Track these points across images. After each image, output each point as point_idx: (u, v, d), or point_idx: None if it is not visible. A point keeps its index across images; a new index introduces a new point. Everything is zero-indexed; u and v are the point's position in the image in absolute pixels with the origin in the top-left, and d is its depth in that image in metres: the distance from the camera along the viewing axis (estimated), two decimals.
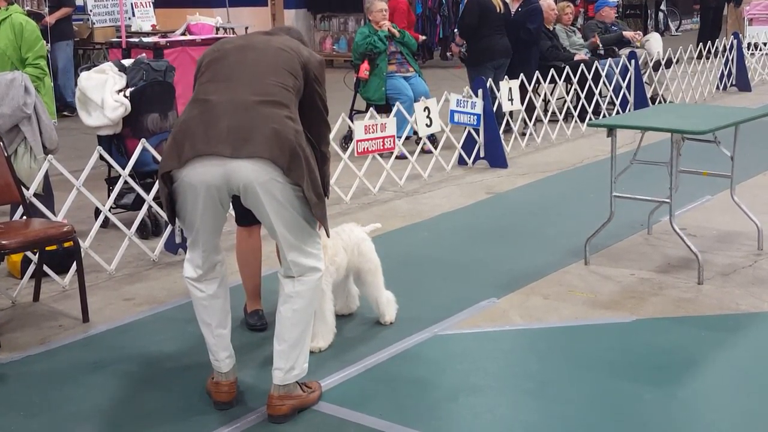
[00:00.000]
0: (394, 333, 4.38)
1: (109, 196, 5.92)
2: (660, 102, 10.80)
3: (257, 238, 4.46)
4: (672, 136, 5.12)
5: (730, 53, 12.67)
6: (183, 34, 8.91)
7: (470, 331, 4.38)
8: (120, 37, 8.53)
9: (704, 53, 12.15)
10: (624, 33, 11.23)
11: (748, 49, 14.12)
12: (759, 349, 4.19)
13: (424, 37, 13.10)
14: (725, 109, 6.51)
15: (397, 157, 7.69)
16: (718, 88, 12.57)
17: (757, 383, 3.82)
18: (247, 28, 13.29)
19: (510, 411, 3.63)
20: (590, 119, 9.56)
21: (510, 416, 3.59)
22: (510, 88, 8.64)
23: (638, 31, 12.22)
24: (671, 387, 3.78)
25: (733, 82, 12.77)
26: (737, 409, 3.62)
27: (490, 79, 8.38)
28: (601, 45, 10.75)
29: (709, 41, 12.84)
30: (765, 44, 14.57)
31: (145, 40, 8.31)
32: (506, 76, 8.76)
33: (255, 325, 4.48)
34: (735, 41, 12.68)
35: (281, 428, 3.51)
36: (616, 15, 11.91)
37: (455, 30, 8.97)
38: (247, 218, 4.34)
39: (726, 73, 12.70)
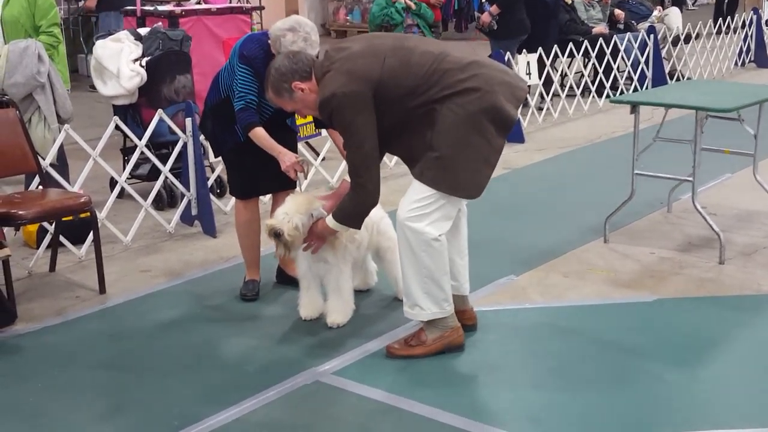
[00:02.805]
0: None
1: (124, 166, 5.87)
2: (678, 78, 10.67)
3: (256, 210, 4.54)
4: (696, 113, 5.04)
5: (749, 29, 12.50)
6: (198, 2, 8.79)
7: (489, 309, 4.34)
8: (135, 5, 8.44)
9: (723, 29, 11.98)
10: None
11: (767, 25, 13.93)
12: None
13: None
14: (750, 86, 6.38)
15: None
16: (736, 64, 12.41)
17: None
18: None
19: (530, 389, 3.60)
20: (608, 95, 9.49)
21: (530, 395, 3.56)
22: (528, 62, 8.54)
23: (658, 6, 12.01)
24: (693, 368, 3.75)
25: (752, 58, 12.62)
26: (760, 390, 3.57)
27: (508, 53, 8.28)
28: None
29: (729, 17, 12.65)
30: None
31: (160, 8, 8.20)
32: (524, 50, 8.66)
33: (246, 294, 4.50)
34: (754, 17, 12.51)
35: (296, 404, 3.49)
36: None
37: (485, 1, 8.87)
38: (250, 191, 4.42)
39: (744, 48, 12.54)
